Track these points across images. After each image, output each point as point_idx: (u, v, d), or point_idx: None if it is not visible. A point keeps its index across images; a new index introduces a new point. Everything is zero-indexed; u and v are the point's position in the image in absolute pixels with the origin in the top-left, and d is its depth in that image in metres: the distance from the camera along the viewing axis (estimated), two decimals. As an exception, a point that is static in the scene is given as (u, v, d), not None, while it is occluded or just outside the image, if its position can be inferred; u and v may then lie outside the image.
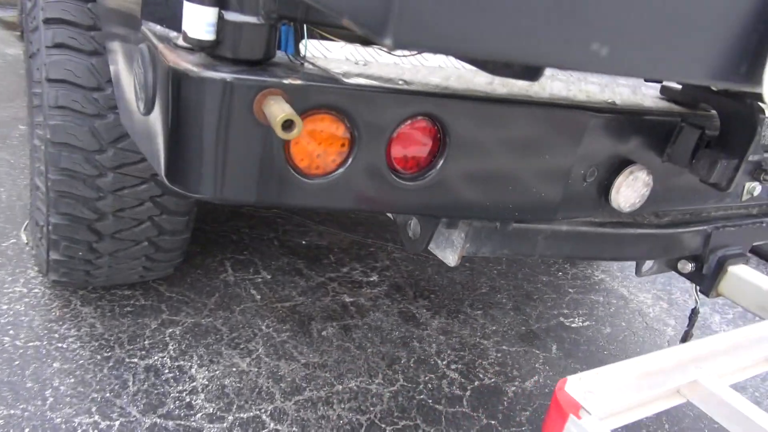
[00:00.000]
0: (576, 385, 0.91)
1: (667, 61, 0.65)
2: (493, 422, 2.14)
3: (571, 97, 1.19)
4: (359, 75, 0.96)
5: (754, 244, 1.69)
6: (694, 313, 1.86)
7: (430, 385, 2.25)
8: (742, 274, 1.60)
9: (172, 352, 2.16)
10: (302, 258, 2.87)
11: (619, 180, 1.23)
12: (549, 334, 2.69)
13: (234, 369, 2.14)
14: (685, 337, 1.96)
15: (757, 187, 1.51)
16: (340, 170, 0.97)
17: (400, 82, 0.98)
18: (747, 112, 1.15)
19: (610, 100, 1.22)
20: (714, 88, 1.22)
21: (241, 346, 2.25)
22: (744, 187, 1.50)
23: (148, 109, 0.97)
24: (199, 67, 0.85)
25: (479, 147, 1.05)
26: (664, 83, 1.35)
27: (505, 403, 2.25)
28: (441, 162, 1.03)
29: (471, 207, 1.11)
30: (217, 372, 2.11)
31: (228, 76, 0.84)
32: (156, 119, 0.95)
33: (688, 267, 1.65)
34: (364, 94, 0.92)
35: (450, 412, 2.15)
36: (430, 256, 3.14)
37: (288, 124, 0.81)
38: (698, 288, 1.73)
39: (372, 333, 2.47)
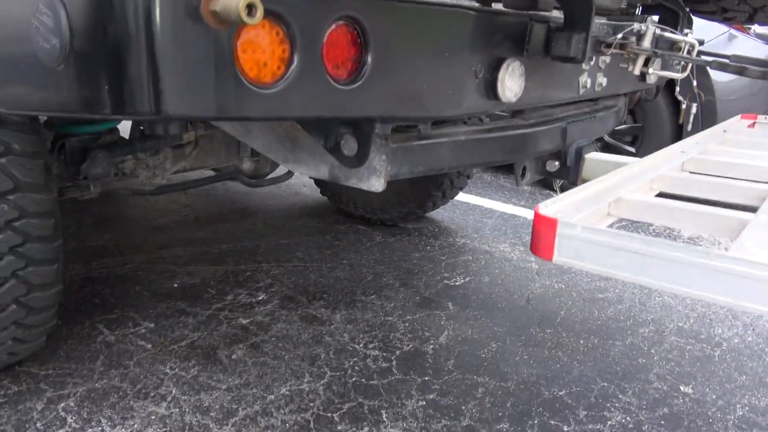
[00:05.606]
0: (546, 210, 1.04)
1: None
2: (426, 378, 2.20)
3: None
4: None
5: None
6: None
7: (357, 367, 2.25)
8: (596, 157, 1.90)
9: (73, 424, 1.89)
10: (180, 299, 2.69)
11: (501, 73, 1.41)
12: (440, 295, 2.84)
13: (153, 417, 1.94)
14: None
15: (588, 81, 1.82)
16: (287, 76, 0.99)
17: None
18: (580, -6, 1.41)
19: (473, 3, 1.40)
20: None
21: (152, 394, 2.04)
22: (578, 81, 1.80)
23: (65, 54, 0.91)
24: (138, -22, 0.82)
25: (396, 46, 1.15)
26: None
27: (430, 360, 2.32)
28: (369, 63, 1.11)
29: (399, 107, 1.19)
30: (135, 426, 1.89)
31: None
32: (84, 58, 0.89)
33: (555, 164, 1.91)
34: (297, -4, 0.97)
35: (385, 383, 2.17)
36: (309, 263, 3.14)
37: (251, 8, 0.82)
38: (563, 182, 2.00)
39: (282, 342, 2.39)
